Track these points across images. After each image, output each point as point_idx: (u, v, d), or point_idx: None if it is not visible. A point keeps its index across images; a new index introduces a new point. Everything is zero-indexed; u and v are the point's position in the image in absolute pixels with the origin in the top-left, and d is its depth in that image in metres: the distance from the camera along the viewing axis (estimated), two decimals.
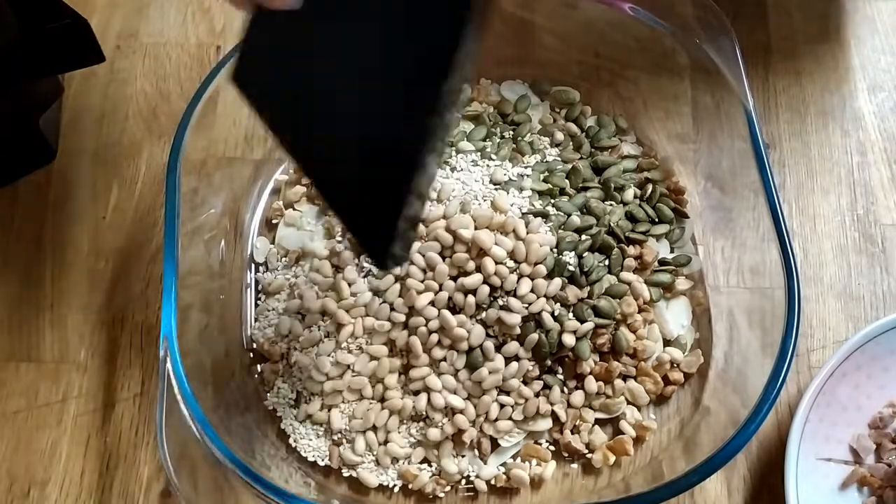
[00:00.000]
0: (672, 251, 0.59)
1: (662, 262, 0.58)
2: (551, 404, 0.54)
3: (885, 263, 0.60)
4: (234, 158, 0.61)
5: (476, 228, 0.54)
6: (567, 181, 0.59)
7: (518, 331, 0.53)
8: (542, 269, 0.53)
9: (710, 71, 0.57)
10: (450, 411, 0.53)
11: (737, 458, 0.51)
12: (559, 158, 0.61)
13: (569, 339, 0.53)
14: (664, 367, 0.55)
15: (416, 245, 0.54)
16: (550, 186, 0.58)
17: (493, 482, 0.53)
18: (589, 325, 0.53)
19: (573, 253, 0.55)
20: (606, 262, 0.56)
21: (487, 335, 0.53)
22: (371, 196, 0.39)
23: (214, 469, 0.46)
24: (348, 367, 0.54)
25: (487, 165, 0.59)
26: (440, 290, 0.53)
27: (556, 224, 0.56)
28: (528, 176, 0.58)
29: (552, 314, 0.53)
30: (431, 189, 0.46)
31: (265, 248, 0.60)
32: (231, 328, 0.57)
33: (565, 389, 0.54)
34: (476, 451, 0.54)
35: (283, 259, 0.60)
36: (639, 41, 0.61)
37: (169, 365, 0.47)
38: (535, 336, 0.53)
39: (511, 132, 0.62)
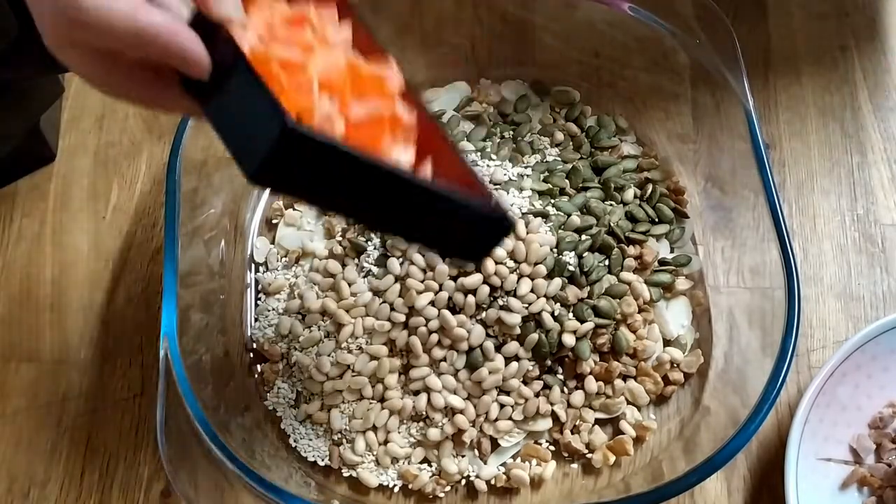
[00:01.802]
0: (672, 251, 0.59)
1: (662, 262, 0.58)
2: (551, 404, 0.54)
3: (885, 263, 0.60)
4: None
5: None
6: (567, 181, 0.59)
7: (518, 331, 0.53)
8: (542, 269, 0.53)
9: (710, 71, 0.57)
10: (450, 411, 0.53)
11: (737, 458, 0.51)
12: (559, 158, 0.61)
13: (569, 339, 0.53)
14: (664, 367, 0.55)
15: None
16: (550, 186, 0.58)
17: (493, 482, 0.53)
18: (589, 325, 0.53)
19: (573, 253, 0.55)
20: (606, 262, 0.56)
21: (487, 335, 0.53)
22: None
23: (214, 469, 0.46)
24: (348, 367, 0.54)
25: (487, 165, 0.59)
26: (440, 290, 0.53)
27: (556, 224, 0.56)
28: (528, 176, 0.58)
29: (552, 314, 0.53)
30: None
31: (265, 248, 0.60)
32: (231, 328, 0.57)
33: (565, 389, 0.54)
34: (476, 451, 0.53)
35: (283, 259, 0.60)
36: (639, 41, 0.60)
37: (169, 365, 0.47)
38: (535, 336, 0.53)
39: (511, 132, 0.62)
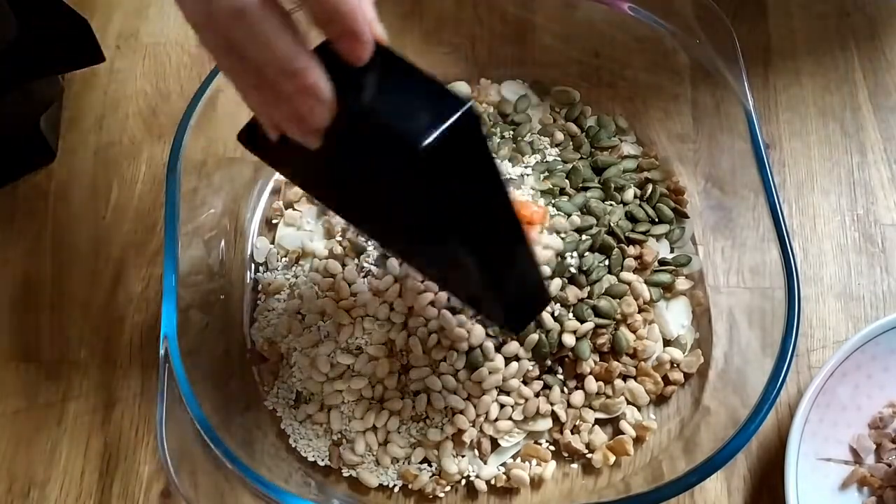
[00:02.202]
0: (672, 251, 0.59)
1: (662, 262, 0.58)
2: (551, 404, 0.54)
3: (885, 263, 0.60)
4: (234, 158, 0.61)
5: None
6: (567, 181, 0.59)
7: None
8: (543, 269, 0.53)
9: (710, 71, 0.57)
10: (450, 411, 0.53)
11: (737, 458, 0.51)
12: (559, 158, 0.61)
13: (569, 339, 0.53)
14: (664, 367, 0.55)
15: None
16: (550, 186, 0.58)
17: (493, 482, 0.53)
18: (589, 325, 0.53)
19: (573, 253, 0.55)
20: (606, 262, 0.56)
21: (487, 335, 0.53)
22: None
23: (214, 469, 0.46)
24: (348, 367, 0.54)
25: None
26: (440, 290, 0.53)
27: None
28: (528, 176, 0.58)
29: (552, 314, 0.53)
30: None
31: (265, 248, 0.60)
32: (231, 328, 0.57)
33: (565, 389, 0.54)
34: (476, 451, 0.53)
35: (283, 259, 0.60)
36: (639, 41, 0.60)
37: (169, 365, 0.47)
38: (535, 336, 0.53)
39: (511, 132, 0.62)
